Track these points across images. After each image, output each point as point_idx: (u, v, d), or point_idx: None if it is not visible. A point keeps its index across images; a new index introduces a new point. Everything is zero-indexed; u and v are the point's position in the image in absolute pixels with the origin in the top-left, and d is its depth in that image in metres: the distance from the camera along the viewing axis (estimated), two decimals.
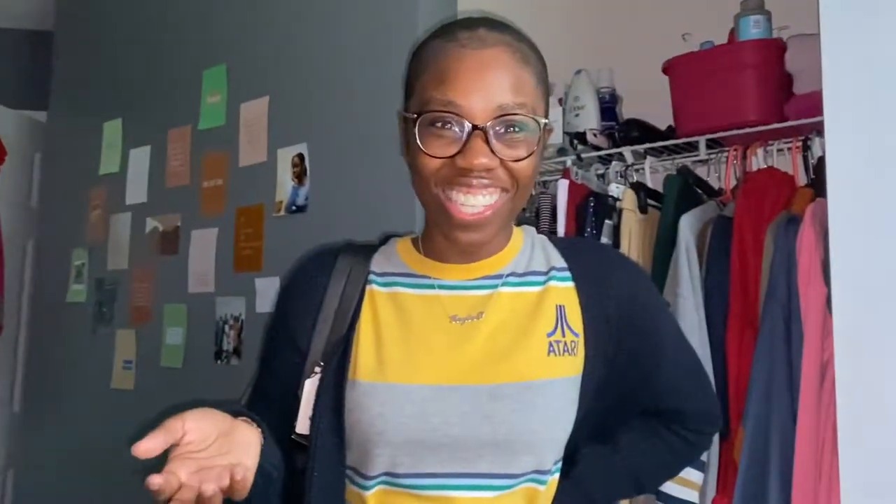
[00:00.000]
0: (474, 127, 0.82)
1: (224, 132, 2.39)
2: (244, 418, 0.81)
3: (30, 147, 3.24)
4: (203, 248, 2.38)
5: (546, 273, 0.95)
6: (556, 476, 0.94)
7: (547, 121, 0.88)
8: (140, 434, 0.70)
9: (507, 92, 0.83)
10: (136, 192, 2.67)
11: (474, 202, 0.84)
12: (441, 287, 0.94)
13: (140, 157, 2.67)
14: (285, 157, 2.19)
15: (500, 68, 0.84)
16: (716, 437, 1.51)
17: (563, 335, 0.92)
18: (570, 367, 0.92)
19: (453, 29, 0.87)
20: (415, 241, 0.98)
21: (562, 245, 0.99)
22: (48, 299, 2.97)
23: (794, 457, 1.35)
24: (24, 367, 3.10)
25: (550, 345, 0.91)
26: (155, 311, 2.52)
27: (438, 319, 0.92)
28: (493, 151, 0.83)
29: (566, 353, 0.92)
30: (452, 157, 0.83)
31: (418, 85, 0.88)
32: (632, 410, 1.03)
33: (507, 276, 0.94)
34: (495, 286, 0.94)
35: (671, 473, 1.17)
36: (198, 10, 2.57)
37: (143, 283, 2.58)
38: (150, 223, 2.59)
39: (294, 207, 2.15)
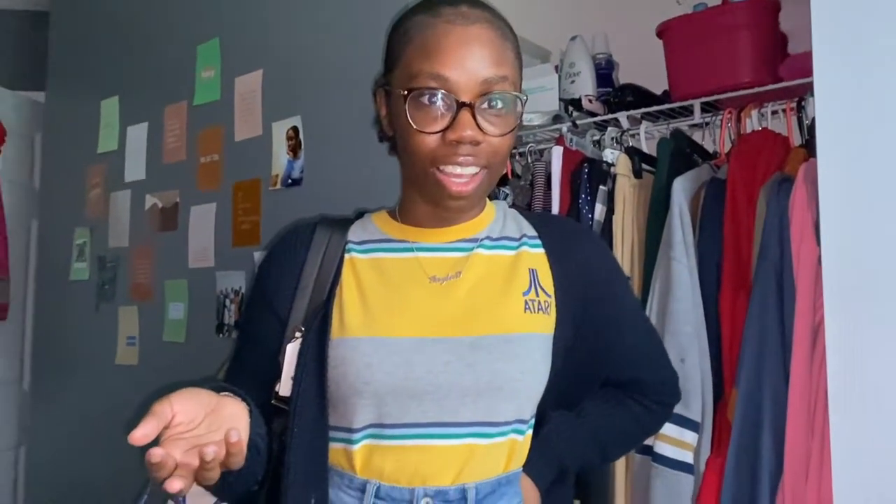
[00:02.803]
0: (462, 103, 0.87)
1: (219, 107, 2.39)
2: (227, 394, 0.82)
3: (29, 127, 3.25)
4: (202, 223, 2.39)
5: (518, 239, 1.02)
6: (531, 431, 0.98)
7: (526, 97, 0.93)
8: (139, 413, 0.71)
9: (491, 66, 0.88)
10: (135, 169, 2.67)
11: (462, 172, 0.89)
12: (419, 249, 0.99)
13: (138, 135, 2.67)
14: (280, 130, 2.19)
15: (484, 43, 0.88)
16: (710, 399, 1.52)
17: (537, 295, 0.97)
18: (544, 325, 0.97)
19: (437, 4, 0.91)
20: (391, 213, 1.04)
21: (532, 217, 1.07)
22: (52, 278, 3.00)
23: (787, 416, 1.36)
24: (32, 346, 3.14)
25: (526, 303, 0.96)
26: (156, 287, 2.54)
27: (418, 279, 0.97)
28: (478, 126, 0.87)
29: (540, 312, 0.96)
30: (442, 131, 0.88)
31: (403, 59, 0.91)
32: (595, 380, 1.09)
33: (483, 239, 1.00)
34: (471, 248, 0.99)
35: (634, 440, 1.22)
36: None
37: (143, 260, 2.59)
38: (150, 200, 2.59)
39: (290, 181, 2.15)
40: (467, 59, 0.87)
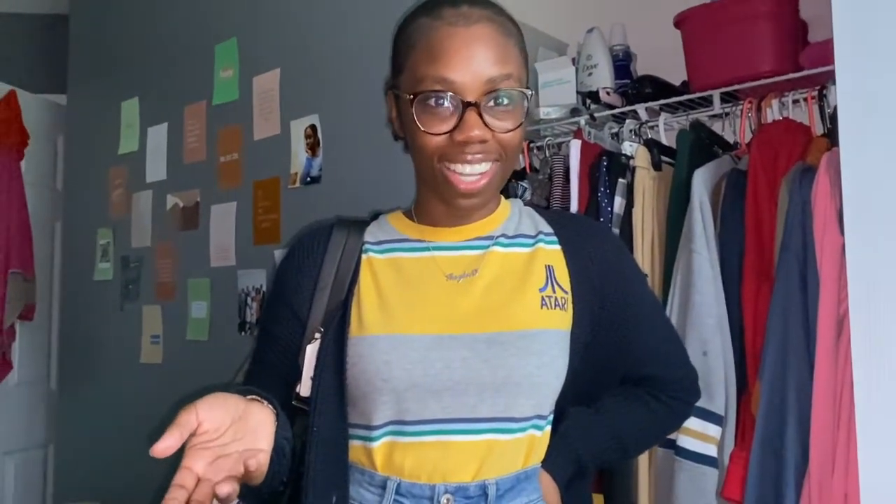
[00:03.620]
0: (468, 103, 0.87)
1: (238, 106, 2.41)
2: (254, 396, 0.82)
3: (52, 130, 3.29)
4: (223, 222, 2.41)
5: (534, 236, 1.02)
6: (549, 427, 0.98)
7: (531, 91, 0.92)
8: (164, 422, 0.70)
9: (495, 64, 0.88)
10: (156, 169, 2.70)
11: (471, 171, 0.90)
12: (435, 248, 0.99)
13: (158, 135, 2.70)
14: (298, 128, 2.20)
15: (487, 42, 0.89)
16: (733, 392, 1.51)
17: (554, 291, 0.97)
18: (561, 322, 0.97)
19: (438, 6, 0.92)
20: (406, 213, 1.05)
21: (548, 215, 1.07)
22: (77, 278, 3.04)
23: (812, 408, 1.34)
24: (58, 345, 3.18)
25: (543, 299, 0.96)
26: (179, 286, 2.56)
27: (435, 277, 0.97)
28: (485, 124, 0.88)
29: (557, 308, 0.96)
30: (450, 132, 0.88)
31: (409, 63, 0.92)
32: (614, 377, 1.08)
33: (498, 237, 1.00)
34: (487, 246, 0.99)
35: (654, 437, 1.20)
36: None
37: (166, 259, 2.62)
38: (171, 200, 2.62)
39: (309, 179, 2.16)
40: (471, 60, 0.87)
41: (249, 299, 2.31)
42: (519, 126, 0.91)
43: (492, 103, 0.89)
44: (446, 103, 0.88)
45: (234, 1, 2.47)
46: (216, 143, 2.47)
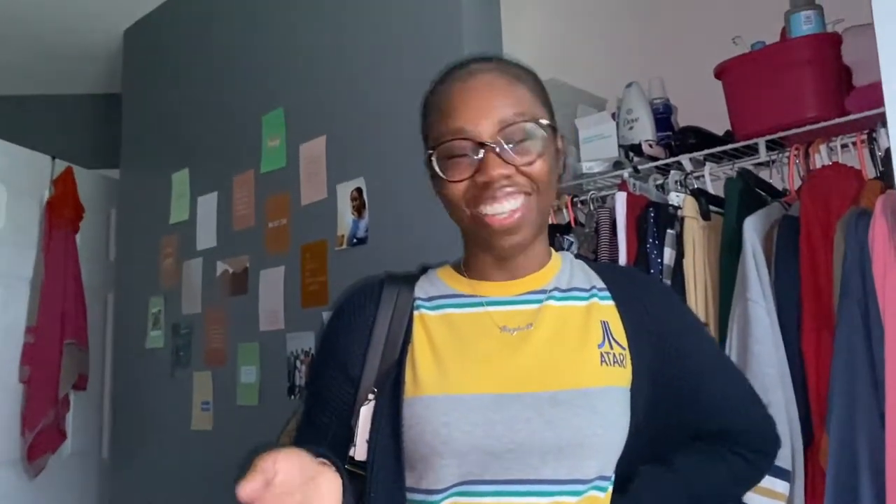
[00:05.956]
0: (483, 144, 0.89)
1: (285, 173, 2.47)
2: (325, 461, 0.81)
3: (105, 203, 3.40)
4: (271, 286, 2.44)
5: (588, 290, 1.00)
6: (611, 487, 0.94)
7: (549, 121, 0.93)
8: (243, 467, 0.70)
9: (506, 107, 0.90)
10: (206, 237, 2.77)
11: (502, 209, 0.90)
12: (489, 303, 0.98)
13: (208, 204, 2.78)
14: (344, 192, 2.24)
15: (495, 88, 0.92)
16: (799, 445, 1.46)
17: (612, 347, 0.95)
18: (621, 378, 0.94)
19: (449, 72, 0.97)
20: (455, 267, 1.04)
21: (599, 268, 1.06)
22: (128, 347, 3.09)
23: (886, 459, 1.29)
24: (110, 414, 3.22)
25: (602, 356, 0.94)
26: (229, 352, 2.59)
27: (489, 331, 0.96)
28: (505, 161, 0.89)
29: (616, 365, 0.94)
30: (472, 176, 0.90)
31: (429, 127, 0.96)
32: (684, 434, 1.03)
33: (552, 290, 0.99)
34: (541, 300, 0.98)
35: (732, 494, 1.11)
36: (254, 59, 2.68)
37: (216, 325, 2.66)
38: (221, 266, 2.67)
39: (355, 240, 2.19)
40: (480, 107, 0.90)
41: (298, 362, 2.32)
42: (542, 157, 0.91)
43: (509, 140, 0.90)
44: (463, 151, 0.90)
45: (280, 73, 2.56)
46: (264, 210, 2.52)
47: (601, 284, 1.02)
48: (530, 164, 0.90)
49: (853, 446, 1.34)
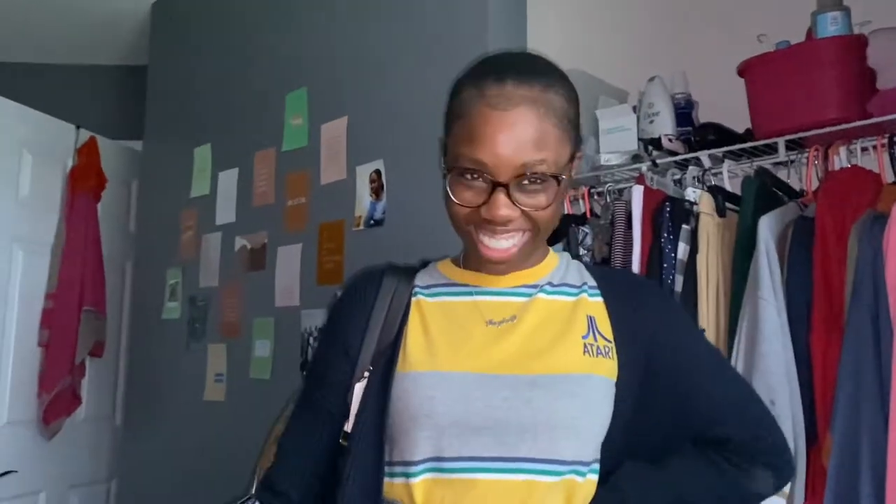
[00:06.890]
0: (498, 183, 0.90)
1: (306, 152, 2.49)
2: None
3: (128, 174, 3.44)
4: (288, 263, 2.48)
5: (579, 287, 1.04)
6: (594, 477, 0.96)
7: (565, 177, 0.94)
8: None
9: (530, 149, 0.90)
10: (226, 212, 2.80)
11: (497, 245, 0.94)
12: (479, 293, 1.03)
13: (229, 179, 2.81)
14: (363, 173, 2.26)
15: (524, 128, 0.90)
16: (802, 444, 1.47)
17: (596, 339, 0.98)
18: (605, 369, 0.97)
19: (484, 78, 0.93)
20: (454, 260, 1.08)
21: (596, 270, 1.09)
22: (145, 317, 3.14)
23: (887, 463, 1.30)
24: (125, 382, 3.28)
25: (585, 346, 0.97)
26: (244, 326, 2.63)
27: (476, 322, 1.00)
28: (514, 202, 0.91)
29: (601, 356, 0.97)
30: (478, 206, 0.92)
31: (451, 134, 0.97)
32: (675, 438, 1.02)
33: (544, 285, 1.03)
34: (531, 294, 1.02)
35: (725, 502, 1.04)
36: (280, 39, 2.70)
37: (232, 299, 2.70)
38: (239, 241, 2.71)
39: (372, 221, 2.22)
40: (505, 146, 0.89)
41: (311, 339, 2.35)
42: (549, 204, 0.93)
43: (524, 183, 0.91)
44: (477, 182, 0.92)
45: (305, 53, 2.58)
46: (284, 188, 2.55)
47: (593, 283, 1.05)
48: (538, 209, 0.92)
49: (856, 448, 1.36)
